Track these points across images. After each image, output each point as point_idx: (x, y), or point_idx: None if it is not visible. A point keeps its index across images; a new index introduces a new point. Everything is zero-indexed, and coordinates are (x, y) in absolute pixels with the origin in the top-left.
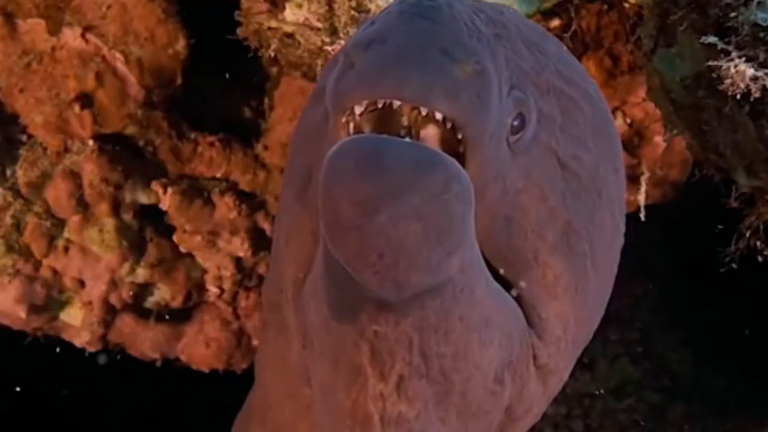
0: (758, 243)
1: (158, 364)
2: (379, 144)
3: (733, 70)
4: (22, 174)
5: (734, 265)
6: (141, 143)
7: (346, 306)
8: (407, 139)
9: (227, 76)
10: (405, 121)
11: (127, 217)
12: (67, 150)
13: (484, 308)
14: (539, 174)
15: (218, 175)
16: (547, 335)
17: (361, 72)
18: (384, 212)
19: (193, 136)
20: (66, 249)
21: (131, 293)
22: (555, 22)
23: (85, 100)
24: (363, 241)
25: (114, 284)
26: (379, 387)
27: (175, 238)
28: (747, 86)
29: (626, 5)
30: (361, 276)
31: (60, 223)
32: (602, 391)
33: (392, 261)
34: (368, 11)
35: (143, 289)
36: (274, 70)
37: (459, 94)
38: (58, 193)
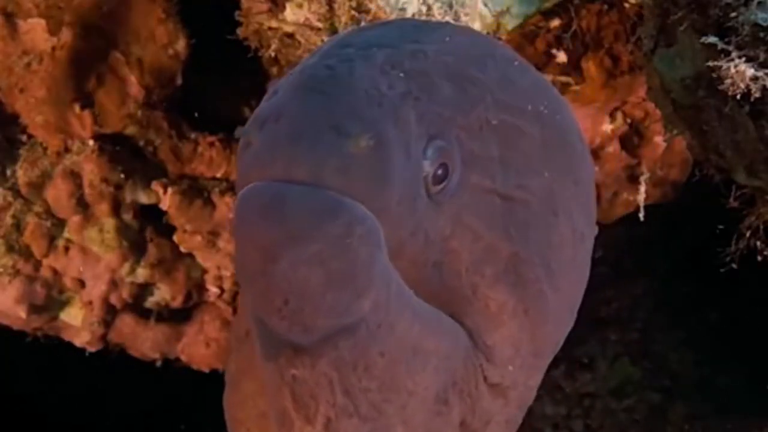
0: (758, 243)
1: (158, 364)
2: (280, 190)
3: (733, 70)
4: (22, 174)
5: (734, 265)
6: (141, 143)
7: (270, 349)
8: (310, 186)
9: (227, 76)
10: None
11: (127, 217)
12: (67, 150)
13: (410, 339)
14: (470, 216)
15: (218, 175)
16: (496, 358)
17: (255, 153)
18: (285, 258)
19: (193, 136)
20: (66, 249)
21: (131, 293)
22: (555, 22)
23: (85, 100)
24: (268, 286)
25: (114, 284)
26: (307, 430)
27: (175, 238)
28: (747, 86)
29: (626, 5)
30: (270, 321)
31: (60, 223)
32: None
33: (297, 306)
34: (368, 11)
35: (143, 289)
36: (274, 70)
37: (353, 172)
38: (58, 193)
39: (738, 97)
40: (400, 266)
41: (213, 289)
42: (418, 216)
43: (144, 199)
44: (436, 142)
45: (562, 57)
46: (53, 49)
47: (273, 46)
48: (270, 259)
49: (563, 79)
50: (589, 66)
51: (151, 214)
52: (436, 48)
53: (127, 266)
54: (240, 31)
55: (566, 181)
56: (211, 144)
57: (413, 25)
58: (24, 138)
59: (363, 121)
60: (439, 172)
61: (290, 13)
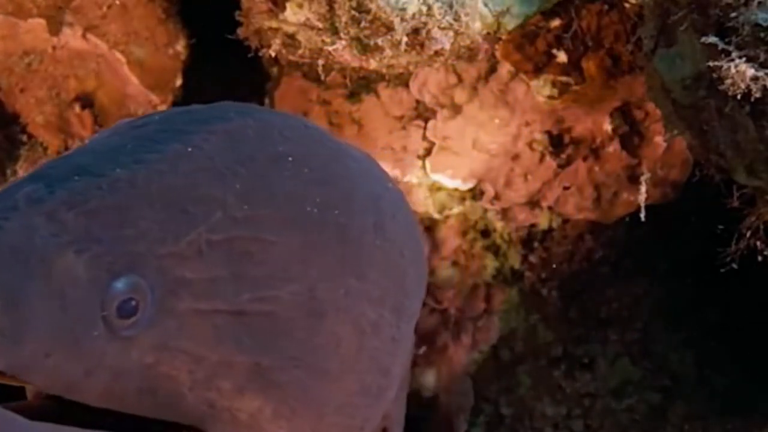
0: (758, 243)
1: None
2: None
3: (733, 71)
4: (22, 174)
5: (734, 265)
6: None
7: None
8: None
9: (227, 76)
10: None
11: None
12: (67, 150)
13: None
14: (182, 341)
15: None
16: None
17: None
18: None
19: None
20: None
21: None
22: (555, 22)
23: (86, 100)
24: None
25: None
26: None
27: None
28: (747, 86)
29: (627, 5)
30: None
31: None
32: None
33: None
34: (368, 11)
35: None
36: (275, 70)
37: None
38: None
39: (738, 97)
40: (89, 398)
41: None
42: (91, 356)
43: None
44: (125, 279)
45: (562, 57)
46: (53, 48)
47: (274, 47)
48: None
49: (563, 79)
50: (590, 66)
51: None
52: (160, 168)
53: None
54: (240, 31)
55: (343, 279)
56: None
57: (155, 132)
58: (24, 138)
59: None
60: (132, 304)
61: (291, 13)
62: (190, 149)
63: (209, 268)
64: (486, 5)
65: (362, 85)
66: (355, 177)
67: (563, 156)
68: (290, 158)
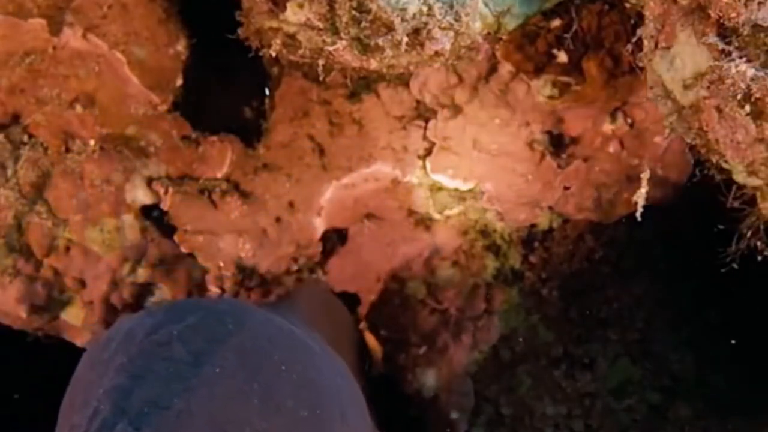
0: (758, 243)
1: None
2: None
3: (733, 71)
4: (23, 174)
5: (734, 265)
6: (141, 143)
7: None
8: None
9: (227, 76)
10: None
11: (128, 217)
12: (68, 150)
13: None
14: None
15: (219, 175)
16: None
17: None
18: None
19: (193, 136)
20: (67, 249)
21: (132, 293)
22: (556, 22)
23: (86, 100)
24: None
25: (115, 284)
26: None
27: (176, 238)
28: (747, 86)
29: (627, 5)
30: None
31: (61, 223)
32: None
33: None
34: (369, 11)
35: (144, 289)
36: (275, 70)
37: None
38: (59, 193)
39: (738, 97)
40: None
41: (214, 290)
42: None
43: (144, 199)
44: None
45: (562, 57)
46: (54, 49)
47: (274, 47)
48: None
49: (564, 79)
50: (590, 66)
51: (152, 214)
52: (203, 393)
53: (127, 266)
54: (240, 31)
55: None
56: (212, 144)
57: (184, 353)
58: (25, 138)
59: None
60: None
61: (291, 13)
62: (217, 370)
63: None
64: (486, 5)
65: (362, 85)
66: (324, 374)
67: (563, 156)
68: (283, 367)
